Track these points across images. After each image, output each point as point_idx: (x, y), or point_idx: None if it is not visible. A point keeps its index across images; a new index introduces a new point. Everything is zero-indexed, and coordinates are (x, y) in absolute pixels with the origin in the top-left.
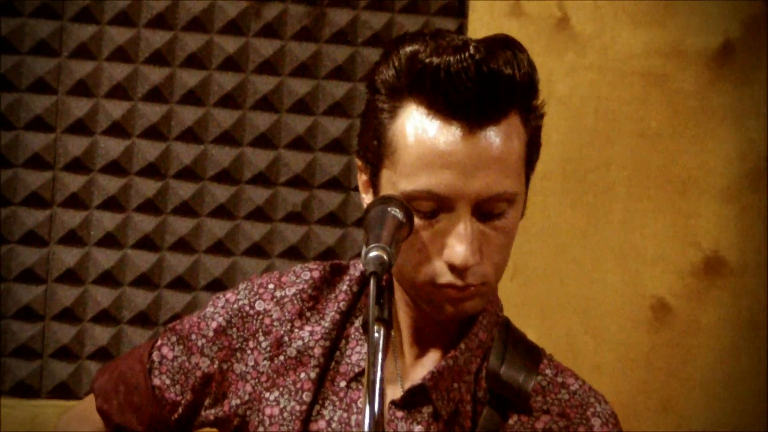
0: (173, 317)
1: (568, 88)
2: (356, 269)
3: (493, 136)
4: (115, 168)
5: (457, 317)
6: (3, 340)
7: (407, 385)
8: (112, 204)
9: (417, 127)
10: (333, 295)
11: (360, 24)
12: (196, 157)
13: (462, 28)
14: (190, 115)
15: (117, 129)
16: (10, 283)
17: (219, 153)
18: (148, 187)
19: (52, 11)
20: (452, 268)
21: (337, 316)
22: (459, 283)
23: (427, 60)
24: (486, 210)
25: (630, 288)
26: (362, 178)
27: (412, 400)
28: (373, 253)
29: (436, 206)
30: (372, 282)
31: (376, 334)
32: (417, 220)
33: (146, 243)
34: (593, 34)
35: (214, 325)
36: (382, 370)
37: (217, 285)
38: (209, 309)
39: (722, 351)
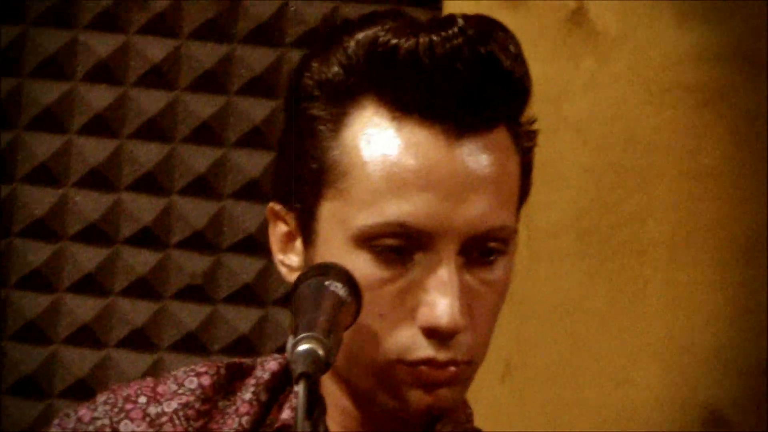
0: None
1: (587, 108)
2: (265, 371)
3: (483, 149)
4: None
5: (426, 414)
6: None
7: None
8: None
9: (379, 135)
10: (232, 408)
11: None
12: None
13: None
14: None
15: None
16: None
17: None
18: None
19: None
20: (431, 333)
21: None
22: (440, 357)
23: (395, 41)
24: (476, 253)
25: (674, 394)
26: (279, 231)
27: None
28: (303, 347)
29: (409, 244)
30: (301, 387)
31: None
32: (378, 271)
33: None
34: (621, 33)
35: None
36: None
37: (78, 389)
38: (54, 431)
39: None
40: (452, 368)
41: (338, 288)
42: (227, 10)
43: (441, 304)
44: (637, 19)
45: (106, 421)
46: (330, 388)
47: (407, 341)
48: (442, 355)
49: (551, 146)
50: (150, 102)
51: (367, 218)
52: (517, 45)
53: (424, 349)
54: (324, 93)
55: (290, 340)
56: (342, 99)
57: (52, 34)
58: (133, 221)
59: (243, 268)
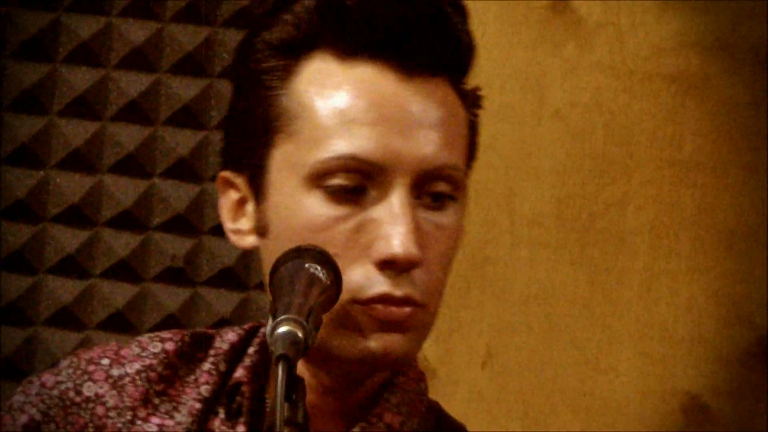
0: None
1: (567, 96)
2: (224, 341)
3: (432, 92)
4: None
5: (379, 360)
6: None
7: None
8: None
9: (329, 76)
10: (193, 376)
11: None
12: None
13: None
14: None
15: None
16: None
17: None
18: None
19: None
20: (386, 265)
21: (198, 405)
22: (396, 292)
23: None
24: (427, 190)
25: (653, 382)
26: (230, 199)
27: None
28: (282, 329)
29: (361, 181)
30: (280, 370)
31: None
32: (330, 210)
33: None
34: (603, 20)
35: (23, 419)
36: None
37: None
38: (18, 398)
39: None
40: (407, 309)
41: (317, 270)
42: None
43: (395, 234)
44: (619, 7)
45: (70, 384)
46: None
47: (361, 279)
48: (397, 291)
49: (532, 133)
50: (132, 84)
51: (318, 154)
52: (465, 10)
53: (379, 285)
54: (274, 51)
55: (269, 323)
56: (293, 54)
57: (35, 16)
58: (115, 203)
59: (224, 251)
